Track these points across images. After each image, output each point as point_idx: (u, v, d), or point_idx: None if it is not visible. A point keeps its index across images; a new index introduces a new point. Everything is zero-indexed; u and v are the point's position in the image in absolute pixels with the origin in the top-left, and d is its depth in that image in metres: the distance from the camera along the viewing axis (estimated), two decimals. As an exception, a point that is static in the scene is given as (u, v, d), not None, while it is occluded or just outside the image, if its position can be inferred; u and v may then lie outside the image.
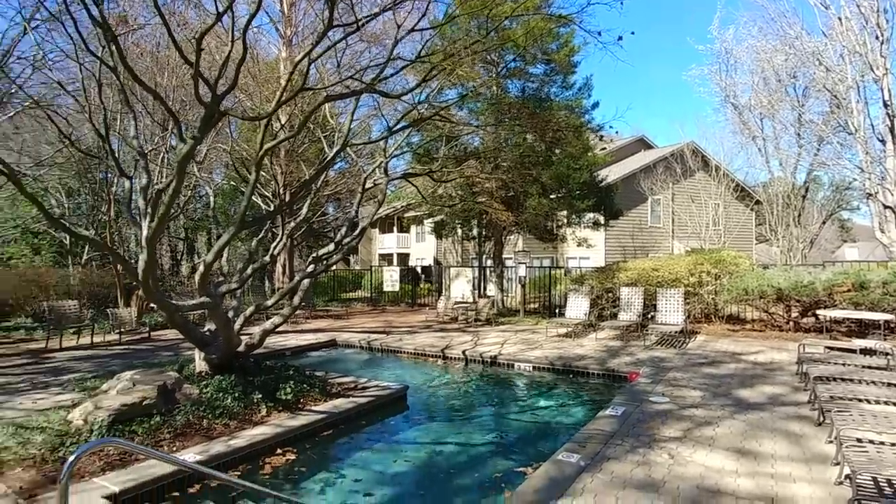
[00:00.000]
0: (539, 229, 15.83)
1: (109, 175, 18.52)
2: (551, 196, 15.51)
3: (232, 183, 23.33)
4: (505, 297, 16.98)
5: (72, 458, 2.80)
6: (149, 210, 5.38)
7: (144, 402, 5.34)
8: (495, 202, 11.54)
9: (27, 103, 14.48)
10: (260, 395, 6.19)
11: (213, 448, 5.10)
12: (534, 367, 9.37)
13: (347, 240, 7.59)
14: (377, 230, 38.71)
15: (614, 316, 12.38)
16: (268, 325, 7.15)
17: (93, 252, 28.49)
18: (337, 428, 6.22)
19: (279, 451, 5.41)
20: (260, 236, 8.66)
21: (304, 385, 6.82)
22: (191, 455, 4.89)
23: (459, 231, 21.58)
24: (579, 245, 17.22)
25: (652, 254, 25.34)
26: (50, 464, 4.58)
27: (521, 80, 15.24)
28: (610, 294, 12.95)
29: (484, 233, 19.21)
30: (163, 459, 3.04)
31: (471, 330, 13.21)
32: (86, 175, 22.46)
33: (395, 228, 36.82)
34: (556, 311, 13.61)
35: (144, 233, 5.43)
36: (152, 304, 15.55)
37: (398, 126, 6.93)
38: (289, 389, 6.45)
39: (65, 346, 11.08)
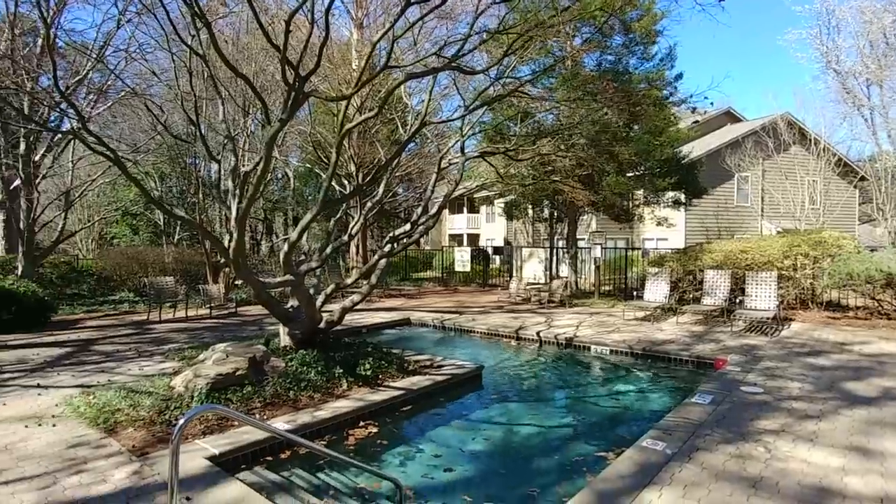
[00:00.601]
0: (615, 209, 15.21)
1: (198, 160, 19.67)
2: (629, 174, 14.84)
3: (307, 165, 24.13)
4: (578, 279, 16.55)
5: (181, 421, 2.99)
6: (237, 191, 5.63)
7: (237, 373, 5.67)
8: (571, 181, 11.16)
9: (123, 93, 15.66)
10: (341, 370, 6.40)
11: (300, 418, 5.34)
12: (611, 351, 9.08)
13: (423, 219, 7.61)
14: (447, 211, 38.92)
15: (696, 300, 11.74)
16: (347, 302, 7.35)
17: (183, 232, 30.66)
18: (415, 404, 6.33)
19: (361, 423, 5.59)
20: (337, 217, 8.88)
21: (382, 362, 6.98)
22: (280, 423, 5.14)
23: (530, 212, 21.22)
24: (658, 225, 16.41)
25: (738, 235, 23.75)
26: (157, 425, 4.97)
27: (598, 53, 14.56)
28: (691, 277, 12.27)
29: (556, 213, 18.77)
30: (257, 426, 3.21)
31: (543, 311, 13.00)
32: (176, 160, 24.00)
33: (464, 209, 36.87)
34: (633, 293, 13.09)
35: (234, 213, 5.70)
36: (238, 281, 16.54)
37: (474, 104, 6.80)
38: (368, 365, 6.62)
39: (163, 319, 12.02)
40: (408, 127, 9.19)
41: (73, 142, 18.01)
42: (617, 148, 12.70)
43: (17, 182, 15.33)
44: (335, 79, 13.76)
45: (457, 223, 37.63)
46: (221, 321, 11.94)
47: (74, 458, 4.36)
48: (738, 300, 10.91)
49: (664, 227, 17.02)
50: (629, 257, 16.30)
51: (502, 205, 33.62)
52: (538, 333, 10.08)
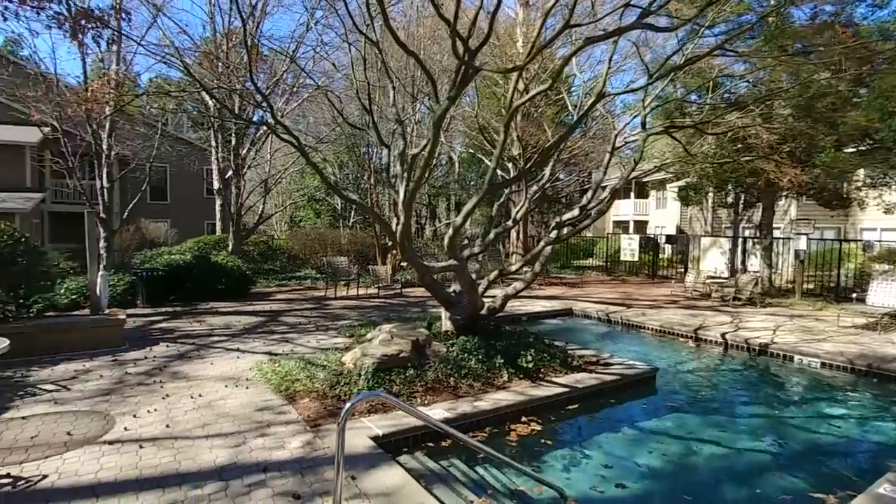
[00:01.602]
0: (826, 192, 12.66)
1: (370, 148, 21.02)
2: (848, 149, 12.19)
3: (470, 151, 24.44)
4: (772, 274, 14.22)
5: (348, 405, 2.94)
6: (405, 174, 5.65)
7: (401, 355, 5.73)
8: (775, 158, 9.39)
9: (310, 91, 17.30)
10: (502, 361, 6.14)
11: (460, 406, 5.20)
12: (822, 364, 7.50)
13: (593, 203, 6.98)
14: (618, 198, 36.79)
15: (948, 308, 9.21)
16: (510, 289, 7.06)
17: (357, 216, 33.41)
18: (580, 403, 5.82)
19: (524, 419, 5.26)
20: (500, 201, 8.62)
21: (545, 354, 6.57)
22: (439, 411, 5.05)
23: (711, 196, 18.83)
24: (887, 212, 13.30)
25: None
26: (329, 399, 5.21)
27: (812, 4, 12.10)
28: (940, 278, 9.66)
29: (745, 197, 16.32)
30: (418, 417, 3.08)
31: (728, 310, 11.38)
32: (352, 149, 26.17)
33: (632, 194, 34.40)
34: (848, 294, 10.77)
35: (401, 196, 5.72)
36: (403, 263, 17.41)
37: (658, 72, 5.93)
38: (529, 357, 6.27)
39: (338, 296, 13.06)
40: (578, 104, 8.53)
41: (270, 137, 20.54)
42: (840, 116, 10.40)
43: (230, 173, 17.87)
44: (501, 58, 13.48)
45: (622, 209, 35.26)
46: (388, 301, 12.57)
47: (260, 422, 4.73)
48: None
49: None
50: (842, 250, 13.50)
51: (676, 189, 30.67)
52: (723, 336, 8.76)
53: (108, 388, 5.63)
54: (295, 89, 17.37)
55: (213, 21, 17.29)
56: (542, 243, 6.73)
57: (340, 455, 3.03)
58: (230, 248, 16.70)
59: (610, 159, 6.77)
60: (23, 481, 3.64)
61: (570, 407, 5.71)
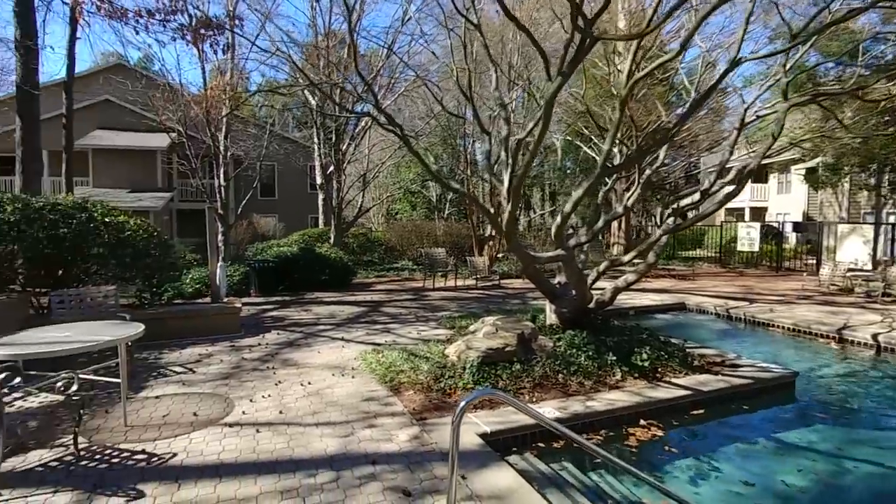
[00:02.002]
0: None
1: (466, 139, 20.89)
2: None
3: (567, 137, 23.57)
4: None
5: (463, 403, 2.76)
6: (510, 160, 5.37)
7: (506, 349, 5.48)
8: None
9: (405, 84, 17.47)
10: (614, 358, 5.69)
11: (571, 406, 4.85)
12: None
13: (716, 188, 6.27)
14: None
15: None
16: (620, 282, 6.55)
17: (452, 208, 33.64)
18: (706, 408, 5.23)
19: (642, 422, 4.81)
20: (607, 188, 8.07)
21: (661, 352, 6.01)
22: (549, 409, 4.74)
23: (848, 178, 16.62)
24: None
25: None
26: (434, 392, 5.09)
27: None
28: None
29: (889, 178, 14.18)
30: (534, 417, 2.82)
31: (876, 307, 9.91)
32: (447, 141, 26.26)
33: (706, 181, 31.37)
34: None
35: (506, 183, 5.45)
36: (500, 255, 17.14)
37: (800, 33, 5.11)
38: (645, 355, 5.75)
39: (436, 287, 13.08)
40: (697, 79, 7.73)
41: (368, 132, 21.14)
42: None
43: (331, 168, 18.60)
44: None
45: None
46: (486, 292, 12.39)
47: (367, 412, 4.71)
48: None
49: None
50: None
51: (803, 171, 27.59)
52: (875, 337, 7.58)
53: (227, 373, 5.94)
54: (392, 82, 17.62)
55: (315, 24, 18.06)
56: (658, 232, 6.14)
57: (455, 453, 2.86)
58: (332, 241, 17.39)
59: (738, 137, 6.02)
60: (156, 458, 3.86)
61: (695, 412, 5.14)
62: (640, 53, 4.48)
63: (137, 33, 9.14)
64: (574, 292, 6.37)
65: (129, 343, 4.69)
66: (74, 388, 4.24)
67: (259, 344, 7.30)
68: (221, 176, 13.89)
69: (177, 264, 8.85)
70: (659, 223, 6.52)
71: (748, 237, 17.17)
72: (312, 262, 12.89)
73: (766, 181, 31.12)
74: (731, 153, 6.14)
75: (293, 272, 12.54)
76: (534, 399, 5.00)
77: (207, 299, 10.58)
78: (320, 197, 21.68)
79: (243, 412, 4.71)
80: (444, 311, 9.84)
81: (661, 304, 10.69)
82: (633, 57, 4.51)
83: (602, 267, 6.24)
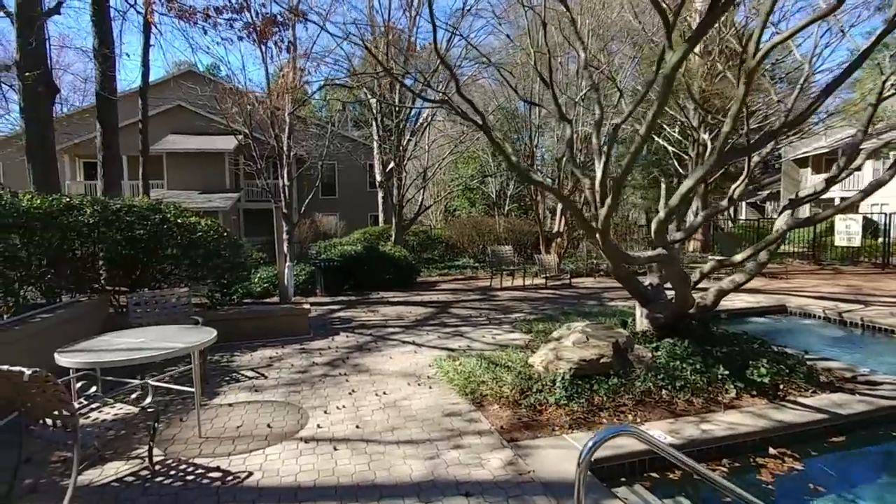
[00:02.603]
0: None
1: (533, 131, 20.14)
2: None
3: (636, 126, 22.31)
4: None
5: (590, 443, 2.29)
6: (603, 149, 4.77)
7: (601, 360, 4.89)
8: None
9: (471, 71, 16.95)
10: (726, 372, 4.97)
11: (683, 429, 4.22)
12: None
13: (844, 174, 5.40)
14: (809, 168, 31.51)
15: None
16: (726, 283, 5.80)
17: (512, 203, 32.91)
18: (849, 435, 4.43)
19: (772, 451, 4.11)
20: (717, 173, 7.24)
21: (781, 366, 5.22)
22: (658, 433, 4.13)
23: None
24: None
25: None
26: (522, 408, 4.58)
27: None
28: None
29: None
30: (665, 453, 2.27)
31: None
32: (507, 135, 25.60)
33: (834, 166, 28.78)
34: None
35: (598, 175, 4.85)
36: (565, 252, 16.37)
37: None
38: (763, 370, 5.00)
39: (503, 286, 12.55)
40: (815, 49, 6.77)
41: (428, 128, 20.84)
42: None
43: (391, 165, 18.42)
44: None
45: (813, 183, 29.76)
46: (557, 292, 11.73)
47: (451, 430, 4.27)
48: None
49: None
50: None
51: (901, 157, 24.90)
52: None
53: (298, 378, 5.68)
54: (458, 66, 17.08)
55: (373, 20, 17.88)
56: (779, 221, 5.35)
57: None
58: (393, 239, 17.20)
59: (874, 112, 5.13)
60: (231, 477, 3.58)
61: (835, 439, 4.36)
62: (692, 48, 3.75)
63: (206, 33, 9.18)
64: (671, 295, 5.68)
65: (202, 349, 4.48)
66: (149, 399, 4.05)
67: (329, 347, 7.05)
68: (285, 176, 13.95)
69: (246, 264, 8.79)
70: (765, 216, 5.71)
71: (847, 231, 15.53)
72: (377, 260, 12.69)
73: (859, 169, 28.42)
74: (866, 132, 5.25)
75: (358, 271, 12.38)
76: (636, 418, 4.40)
77: (275, 299, 10.56)
78: (380, 195, 21.58)
79: (318, 425, 4.39)
80: (516, 312, 9.30)
81: (757, 306, 9.66)
82: (767, 17, 3.79)
83: (707, 267, 5.51)
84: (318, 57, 15.66)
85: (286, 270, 9.16)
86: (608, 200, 4.32)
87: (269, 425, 4.40)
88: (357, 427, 4.35)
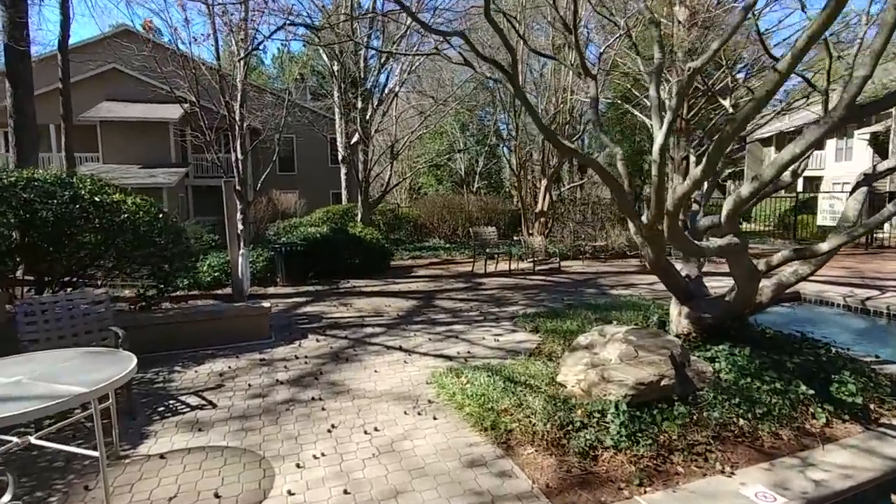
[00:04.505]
0: None
1: (504, 107, 18.81)
2: None
3: (616, 99, 21.31)
4: None
5: None
6: (671, 103, 3.59)
7: (662, 382, 3.77)
8: None
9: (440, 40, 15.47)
10: (810, 391, 3.95)
11: (787, 478, 3.16)
12: None
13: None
14: (773, 147, 31.65)
15: None
16: (787, 275, 4.78)
17: (481, 182, 31.74)
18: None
19: (894, 498, 3.11)
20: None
21: (861, 377, 4.26)
22: (760, 488, 3.06)
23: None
24: None
25: None
26: (569, 454, 3.39)
27: None
28: None
29: None
30: None
31: None
32: (474, 112, 24.21)
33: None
34: None
35: (659, 139, 3.66)
36: (550, 232, 15.31)
37: None
38: (852, 385, 4.01)
39: (488, 272, 11.38)
40: None
41: (396, 98, 19.22)
42: None
43: (356, 137, 16.81)
44: None
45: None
46: (548, 278, 10.66)
47: (478, 492, 3.06)
48: None
49: None
50: None
51: (867, 136, 25.10)
52: None
53: (258, 407, 4.35)
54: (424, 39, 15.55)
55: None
56: (853, 200, 4.35)
57: None
58: (359, 218, 15.72)
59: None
60: None
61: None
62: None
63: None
64: (735, 293, 4.63)
65: (116, 389, 3.09)
66: (7, 497, 2.66)
67: (295, 357, 5.71)
68: (238, 149, 12.24)
69: (190, 250, 7.28)
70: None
71: (831, 210, 15.09)
72: (345, 244, 11.27)
73: (822, 147, 28.60)
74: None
75: (324, 256, 10.94)
76: (721, 464, 3.31)
77: (228, 290, 9.07)
78: (343, 170, 19.92)
79: (289, 491, 3.10)
80: (512, 304, 8.15)
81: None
82: None
83: (778, 258, 4.47)
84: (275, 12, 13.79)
85: (240, 259, 7.68)
86: (697, 170, 3.16)
87: (216, 494, 3.08)
88: (346, 492, 3.08)
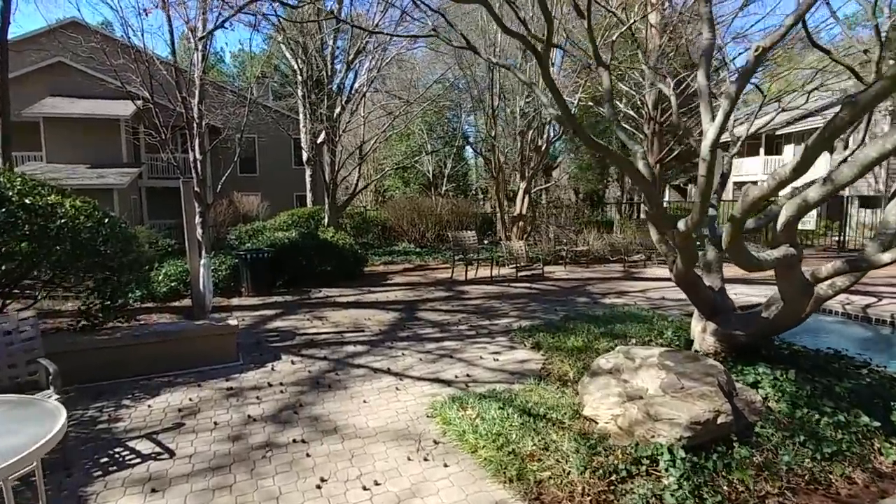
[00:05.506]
0: None
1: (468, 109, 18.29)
2: None
3: (583, 100, 21.09)
4: None
5: None
6: (728, 90, 3.04)
7: (719, 420, 3.21)
8: None
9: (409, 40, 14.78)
10: (876, 423, 3.47)
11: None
12: None
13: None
14: (739, 156, 32.23)
15: None
16: (824, 288, 4.33)
17: (449, 184, 31.18)
18: None
19: None
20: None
21: (916, 402, 3.83)
22: (855, 553, 2.52)
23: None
24: None
25: None
26: (621, 515, 2.80)
27: None
28: None
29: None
30: None
31: None
32: (441, 113, 23.59)
33: (761, 150, 29.68)
34: None
35: (711, 133, 3.12)
36: (528, 235, 14.80)
37: None
38: (916, 414, 3.56)
39: (469, 279, 10.76)
40: None
41: (364, 98, 18.42)
42: None
43: (321, 137, 15.94)
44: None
45: (746, 168, 30.49)
46: (534, 286, 10.10)
47: (519, 575, 2.42)
48: None
49: None
50: None
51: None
52: None
53: (227, 454, 3.58)
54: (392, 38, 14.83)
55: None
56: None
57: None
58: (326, 222, 14.84)
59: None
60: None
61: None
62: None
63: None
64: (766, 307, 4.15)
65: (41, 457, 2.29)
66: None
67: (269, 384, 4.92)
68: (196, 148, 11.23)
69: (142, 259, 6.36)
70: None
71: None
72: (317, 250, 10.43)
73: (780, 153, 29.35)
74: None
75: (293, 264, 10.08)
76: (798, 520, 2.77)
77: (188, 301, 8.13)
78: (308, 173, 18.98)
79: (275, 584, 2.37)
80: (502, 315, 7.55)
81: (758, 303, 8.50)
82: None
83: (826, 271, 3.97)
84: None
85: (202, 269, 6.80)
86: (787, 168, 2.62)
87: None
88: (348, 583, 2.38)
